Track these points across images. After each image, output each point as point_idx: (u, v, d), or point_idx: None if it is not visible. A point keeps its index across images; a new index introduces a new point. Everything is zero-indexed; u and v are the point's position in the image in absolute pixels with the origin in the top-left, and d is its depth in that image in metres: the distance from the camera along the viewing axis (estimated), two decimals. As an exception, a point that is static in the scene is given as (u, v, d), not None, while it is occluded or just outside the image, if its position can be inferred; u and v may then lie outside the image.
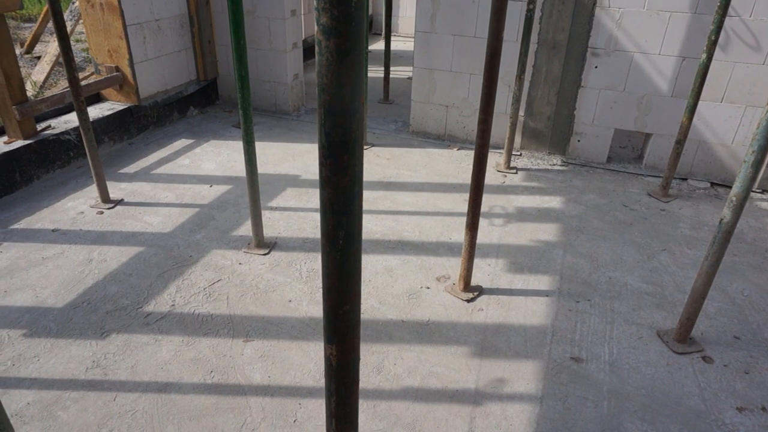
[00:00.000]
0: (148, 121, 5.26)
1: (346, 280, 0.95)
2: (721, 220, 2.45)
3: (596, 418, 2.39)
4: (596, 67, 4.54)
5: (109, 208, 3.92)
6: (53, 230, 3.63)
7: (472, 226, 2.94)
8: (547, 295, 3.17)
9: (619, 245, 3.67)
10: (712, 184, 4.59)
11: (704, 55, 3.72)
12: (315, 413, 2.36)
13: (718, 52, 4.11)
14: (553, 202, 4.23)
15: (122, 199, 4.05)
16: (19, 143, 4.13)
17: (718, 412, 2.42)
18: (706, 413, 2.42)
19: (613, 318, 3.01)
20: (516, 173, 4.69)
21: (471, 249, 3.01)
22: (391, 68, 6.78)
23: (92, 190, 4.06)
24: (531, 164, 4.88)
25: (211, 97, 6.08)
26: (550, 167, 4.83)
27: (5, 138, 4.19)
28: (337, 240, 0.90)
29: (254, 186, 3.28)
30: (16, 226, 3.66)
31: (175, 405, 2.37)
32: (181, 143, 5.09)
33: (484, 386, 2.53)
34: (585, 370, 2.65)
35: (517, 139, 5.06)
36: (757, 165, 2.27)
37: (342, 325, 0.99)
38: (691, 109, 3.90)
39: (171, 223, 3.77)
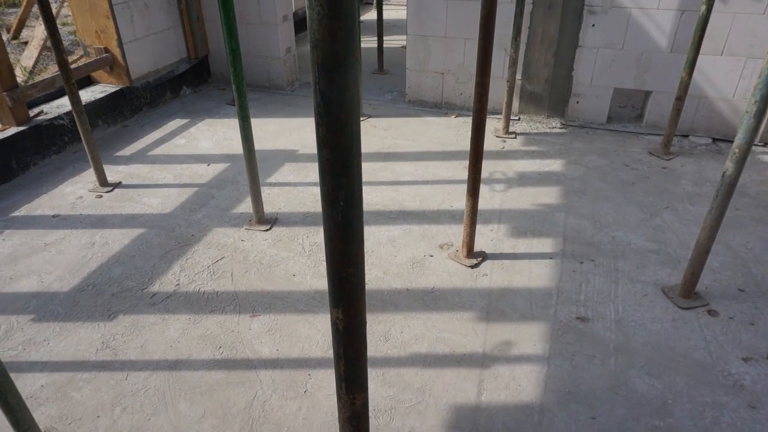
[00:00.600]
0: (141, 103, 5.20)
1: (349, 242, 0.94)
2: (724, 173, 2.43)
3: (604, 374, 2.41)
4: (593, 25, 4.45)
5: (107, 192, 3.90)
6: (53, 216, 3.62)
7: (473, 192, 2.93)
8: (550, 258, 3.17)
9: (622, 205, 3.66)
10: (714, 139, 4.55)
11: (704, 7, 3.64)
12: (325, 383, 2.38)
13: (717, 3, 4.02)
14: (554, 165, 4.20)
15: (120, 182, 4.02)
16: (13, 130, 4.09)
17: (725, 363, 2.44)
18: (712, 365, 2.44)
19: (617, 277, 3.01)
20: (515, 138, 4.64)
21: (473, 215, 3.00)
22: (385, 38, 6.66)
23: (90, 175, 4.04)
24: (530, 128, 4.83)
25: (203, 76, 5.99)
26: (549, 130, 4.79)
27: (-2, 126, 4.15)
28: (338, 201, 0.89)
29: (252, 162, 3.25)
30: (16, 213, 3.65)
31: (186, 381, 2.39)
32: (176, 123, 5.04)
33: (492, 349, 2.55)
34: (591, 329, 2.66)
35: (515, 104, 5.00)
36: (759, 115, 2.24)
37: (347, 287, 0.99)
38: (691, 64, 3.84)
39: (170, 203, 3.76)
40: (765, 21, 4.05)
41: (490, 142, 4.54)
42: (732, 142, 4.21)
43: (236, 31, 2.83)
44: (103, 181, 3.94)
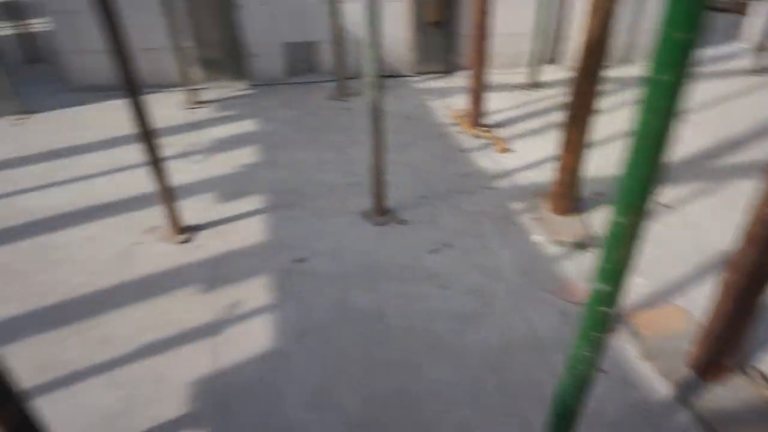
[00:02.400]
0: None
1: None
2: (369, 101, 2.81)
3: (328, 301, 2.63)
4: (248, -16, 4.55)
5: None
6: None
7: (158, 169, 2.78)
8: (262, 213, 3.27)
9: (316, 149, 3.96)
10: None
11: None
12: None
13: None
14: (248, 125, 4.27)
15: None
16: None
17: (419, 260, 2.92)
18: (412, 265, 2.88)
19: (324, 215, 3.28)
20: (205, 107, 4.55)
21: (168, 191, 2.87)
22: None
23: None
24: (219, 95, 4.78)
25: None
26: (238, 93, 4.82)
27: None
28: None
29: None
30: None
31: None
32: None
33: (223, 315, 2.54)
34: (311, 267, 2.86)
35: (199, 74, 4.86)
36: (375, 47, 2.63)
37: None
38: (334, 11, 4.26)
39: None
40: (389, -30, 4.71)
41: (179, 115, 4.36)
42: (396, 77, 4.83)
43: None
44: None
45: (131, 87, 2.47)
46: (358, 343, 2.40)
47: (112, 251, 2.92)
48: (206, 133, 4.12)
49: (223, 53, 4.77)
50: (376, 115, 2.81)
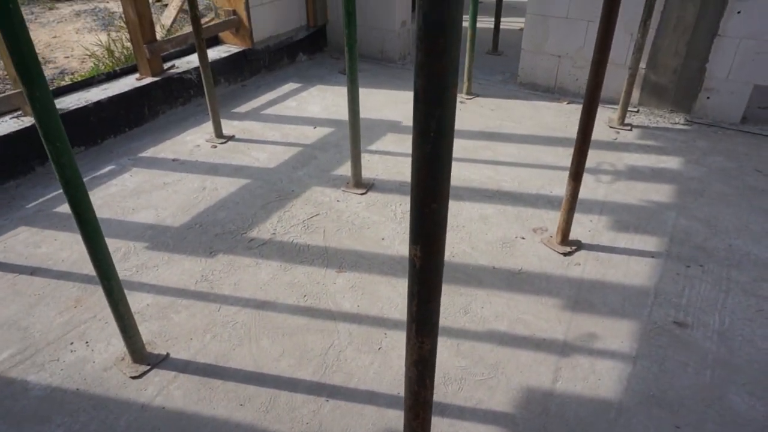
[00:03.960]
0: (259, 65, 5.49)
1: (436, 176, 0.94)
2: None
3: (695, 385, 2.22)
4: (739, 12, 4.01)
5: (221, 143, 4.18)
6: (173, 160, 3.96)
7: (576, 176, 2.79)
8: (652, 257, 2.96)
9: (746, 212, 3.31)
10: None
11: None
12: (399, 344, 2.41)
13: None
14: (671, 162, 3.88)
15: (233, 136, 4.30)
16: (149, 80, 4.50)
17: None
18: (831, 396, 2.16)
19: (728, 287, 2.75)
20: (630, 130, 4.34)
21: (572, 200, 2.86)
22: (503, 18, 6.47)
23: (208, 126, 4.34)
24: (648, 122, 4.49)
25: (319, 44, 6.19)
26: (670, 126, 4.42)
27: (137, 75, 4.57)
28: (428, 131, 0.89)
29: (356, 126, 3.32)
30: (143, 154, 4.03)
31: (271, 321, 2.54)
32: (289, 87, 5.27)
33: (574, 339, 2.45)
34: (689, 336, 2.46)
35: (636, 95, 4.67)
36: None
37: (428, 224, 0.99)
38: None
39: (276, 159, 3.96)
40: None
41: (603, 132, 4.29)
42: None
43: (354, -6, 2.88)
44: (219, 133, 4.23)
45: (593, 88, 2.51)
46: (720, 453, 1.95)
47: (497, 235, 3.14)
48: (622, 157, 3.94)
49: (674, 81, 4.41)
50: None
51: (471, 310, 2.61)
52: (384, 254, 2.99)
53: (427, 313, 1.12)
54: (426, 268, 1.05)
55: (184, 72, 4.71)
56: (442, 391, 2.19)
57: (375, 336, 2.46)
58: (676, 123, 4.46)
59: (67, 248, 3.02)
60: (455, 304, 2.64)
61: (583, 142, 2.68)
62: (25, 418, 2.08)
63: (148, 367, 2.27)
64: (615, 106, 4.59)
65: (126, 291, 2.20)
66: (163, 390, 2.19)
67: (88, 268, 2.57)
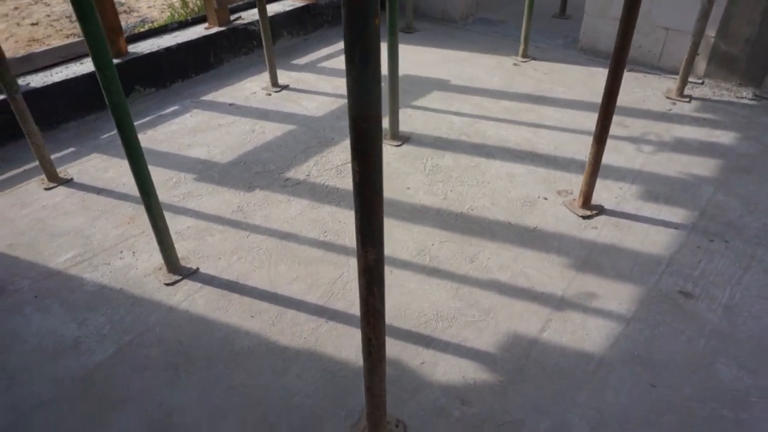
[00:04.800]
0: (322, 20, 5.67)
1: (364, 98, 1.09)
2: None
3: (685, 351, 2.25)
4: (824, -21, 3.69)
5: (276, 92, 4.44)
6: (230, 104, 4.27)
7: (600, 139, 2.79)
8: (676, 228, 2.92)
9: (794, 193, 3.15)
10: None
11: None
12: (403, 281, 2.59)
13: None
14: (724, 137, 3.71)
15: (288, 85, 4.54)
16: (216, 29, 4.81)
17: (844, 379, 2.11)
18: (827, 376, 2.12)
19: (750, 264, 2.68)
20: (689, 102, 4.15)
21: (595, 164, 2.86)
22: (576, -20, 6.22)
23: (266, 75, 4.61)
24: (712, 94, 4.26)
25: (383, 3, 6.25)
26: (735, 100, 4.18)
27: (205, 24, 4.90)
28: (353, 59, 1.04)
29: (394, 79, 3.45)
30: (204, 98, 4.37)
31: (291, 250, 2.79)
32: (348, 42, 5.42)
33: (572, 296, 2.52)
34: (692, 306, 2.46)
35: (701, 66, 4.42)
36: None
37: (362, 141, 1.14)
38: None
39: (323, 109, 4.17)
40: None
41: (657, 102, 4.14)
42: None
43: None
44: (274, 82, 4.49)
45: (620, 48, 2.50)
46: (690, 410, 2.00)
47: (520, 194, 3.20)
48: (673, 129, 3.82)
49: (746, 51, 4.15)
50: None
51: (477, 259, 2.73)
52: (407, 202, 3.14)
53: (370, 227, 1.28)
54: (364, 183, 1.21)
55: (249, 23, 4.98)
56: (432, 327, 2.36)
57: (382, 273, 2.65)
58: (742, 97, 4.21)
59: (128, 174, 3.39)
60: (463, 253, 2.77)
61: (607, 105, 2.66)
62: (78, 306, 2.48)
63: (180, 278, 2.60)
64: (675, 76, 4.38)
65: (171, 214, 2.52)
66: (189, 297, 2.51)
67: (140, 190, 2.92)
